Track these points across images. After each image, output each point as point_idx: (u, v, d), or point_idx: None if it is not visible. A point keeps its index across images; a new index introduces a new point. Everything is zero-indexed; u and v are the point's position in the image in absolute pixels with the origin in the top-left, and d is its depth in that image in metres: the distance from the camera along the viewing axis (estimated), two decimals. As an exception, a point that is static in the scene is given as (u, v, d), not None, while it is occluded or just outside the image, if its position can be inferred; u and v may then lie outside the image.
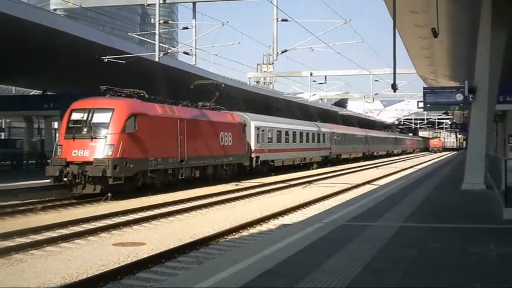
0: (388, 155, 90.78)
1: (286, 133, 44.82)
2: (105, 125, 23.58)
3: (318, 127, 53.75)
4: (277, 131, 42.73)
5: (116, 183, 22.74)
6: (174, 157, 26.93)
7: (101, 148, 23.06)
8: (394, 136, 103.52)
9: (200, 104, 31.89)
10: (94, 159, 22.64)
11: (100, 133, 23.42)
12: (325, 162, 53.88)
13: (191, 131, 28.36)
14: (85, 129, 23.42)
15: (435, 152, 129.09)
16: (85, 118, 23.58)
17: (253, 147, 37.52)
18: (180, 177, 27.55)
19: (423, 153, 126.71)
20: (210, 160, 30.74)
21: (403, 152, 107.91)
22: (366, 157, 72.18)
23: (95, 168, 22.31)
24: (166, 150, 26.46)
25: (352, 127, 73.15)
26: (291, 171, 42.17)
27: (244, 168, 36.08)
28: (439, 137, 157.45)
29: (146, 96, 26.52)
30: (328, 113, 72.78)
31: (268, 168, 40.15)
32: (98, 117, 23.67)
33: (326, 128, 56.38)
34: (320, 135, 53.38)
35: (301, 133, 48.25)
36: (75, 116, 24.04)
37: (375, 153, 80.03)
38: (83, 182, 22.62)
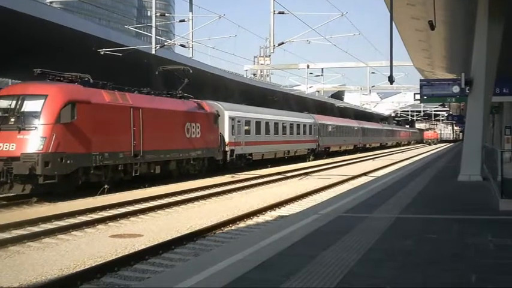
0: (382, 147, 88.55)
1: (267, 124, 41.95)
2: (36, 114, 20.37)
3: (304, 118, 51.53)
4: (256, 122, 39.83)
5: (48, 182, 20.00)
6: (126, 151, 23.88)
7: (30, 141, 20.00)
8: (388, 128, 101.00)
9: (165, 92, 29.43)
10: (21, 154, 19.63)
11: (30, 124, 20.30)
12: (313, 155, 51.66)
13: (149, 121, 25.30)
14: (12, 119, 20.37)
15: (429, 144, 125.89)
16: (13, 106, 20.52)
17: (227, 140, 34.68)
18: (134, 174, 24.58)
19: (419, 145, 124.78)
20: (173, 154, 27.81)
21: (398, 144, 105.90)
22: (358, 150, 70.25)
23: (21, 165, 19.37)
24: (115, 143, 23.37)
25: (343, 118, 70.56)
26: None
27: (217, 163, 33.19)
28: (434, 129, 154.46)
29: (91, 81, 23.30)
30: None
31: (246, 163, 37.44)
32: (28, 105, 20.56)
33: (313, 119, 54.02)
34: (306, 126, 50.82)
35: (283, 124, 45.49)
36: (2, 103, 20.96)
37: (368, 146, 78.13)
38: (9, 181, 19.71)
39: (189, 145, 29.29)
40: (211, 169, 32.11)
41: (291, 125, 47.06)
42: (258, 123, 40.00)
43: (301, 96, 65.78)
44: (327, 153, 56.09)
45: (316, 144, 53.19)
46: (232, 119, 35.70)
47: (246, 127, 37.83)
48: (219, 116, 33.41)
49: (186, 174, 28.95)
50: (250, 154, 38.14)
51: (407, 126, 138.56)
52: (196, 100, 31.47)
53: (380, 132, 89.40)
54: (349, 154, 62.41)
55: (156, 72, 30.27)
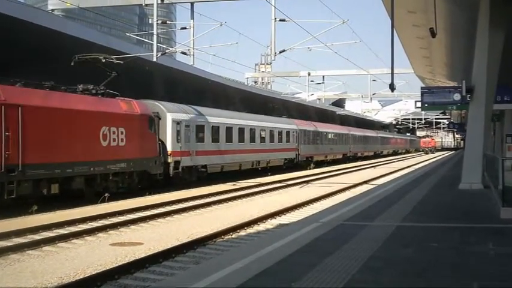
0: (376, 156, 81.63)
1: (228, 130, 35.21)
2: None
3: (281, 123, 45.48)
4: (213, 127, 33.21)
5: None
6: None
7: None
8: (383, 135, 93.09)
9: (81, 87, 23.24)
10: None
11: None
12: (291, 166, 45.62)
13: (36, 124, 19.45)
14: None
15: (426, 153, 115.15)
16: None
17: (169, 149, 28.32)
18: (8, 197, 18.44)
19: (419, 153, 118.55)
20: (79, 168, 21.33)
21: (395, 153, 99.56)
22: (348, 159, 64.20)
23: None
24: None
25: (330, 124, 63.52)
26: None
27: (154, 178, 26.54)
28: (431, 136, 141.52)
29: None
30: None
31: (198, 176, 31.24)
32: None
33: (293, 124, 47.85)
34: (283, 132, 44.50)
35: (252, 130, 38.77)
36: None
37: (360, 155, 71.56)
38: None
39: (106, 156, 22.79)
40: (147, 186, 25.91)
41: (263, 130, 40.70)
42: (215, 129, 33.50)
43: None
44: (309, 164, 49.95)
45: (296, 154, 47.09)
46: (177, 123, 29.24)
47: (199, 133, 31.50)
48: (159, 119, 27.64)
49: (108, 193, 22.47)
50: (204, 166, 31.93)
51: (409, 134, 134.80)
52: (123, 99, 25.09)
53: (374, 139, 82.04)
54: (336, 164, 56.51)
55: (72, 63, 24.03)
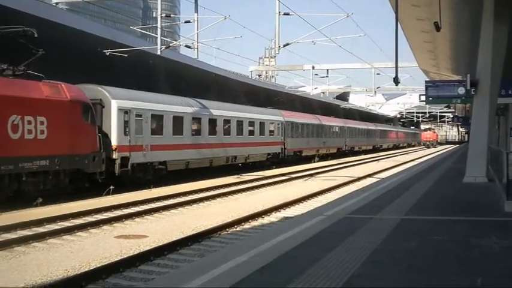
0: (375, 150, 77.66)
1: (195, 121, 30.94)
2: None
3: (265, 114, 41.05)
4: (175, 117, 28.80)
5: None
6: None
7: None
8: (383, 128, 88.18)
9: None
10: None
11: None
12: (276, 161, 41.46)
13: None
14: None
15: (428, 147, 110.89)
16: None
17: (114, 143, 24.18)
18: None
19: (421, 147, 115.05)
20: None
21: (395, 147, 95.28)
22: (343, 154, 60.02)
23: None
24: None
25: (323, 116, 58.08)
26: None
27: (93, 178, 22.55)
28: (433, 129, 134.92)
29: None
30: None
31: (155, 175, 26.97)
32: None
33: (278, 115, 43.45)
34: (265, 124, 40.05)
35: (226, 121, 34.37)
36: None
37: (358, 149, 67.70)
38: None
39: (17, 151, 18.76)
40: (82, 188, 22.12)
41: (240, 122, 36.10)
42: (177, 119, 29.02)
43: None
44: (299, 159, 46.44)
45: (282, 148, 42.83)
46: (125, 111, 24.89)
47: (155, 124, 27.32)
48: (103, 107, 24.14)
49: (30, 196, 19.32)
50: (163, 163, 27.66)
51: (413, 127, 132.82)
52: (49, 81, 20.79)
53: (373, 133, 77.32)
54: (330, 159, 53.13)
55: None
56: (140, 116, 25.82)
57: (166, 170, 27.84)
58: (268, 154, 40.57)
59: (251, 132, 37.73)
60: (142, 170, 25.98)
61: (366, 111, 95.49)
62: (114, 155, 24.04)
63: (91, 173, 22.28)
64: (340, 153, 59.16)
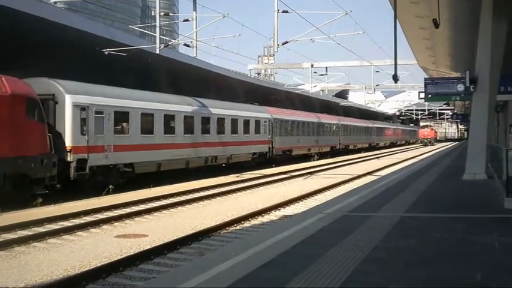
0: (372, 148, 75.35)
1: (168, 118, 28.34)
2: None
3: (250, 111, 38.67)
4: (144, 114, 26.32)
5: None
6: None
7: None
8: (380, 125, 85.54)
9: None
10: None
11: None
12: (263, 161, 39.35)
13: None
14: None
15: (426, 145, 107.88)
16: None
17: (69, 143, 21.65)
18: None
19: (419, 145, 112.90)
20: None
21: (393, 145, 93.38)
22: (337, 152, 57.89)
23: None
24: None
25: (313, 113, 55.81)
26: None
27: (41, 184, 20.06)
28: (431, 126, 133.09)
29: None
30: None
31: (121, 178, 24.52)
32: None
33: (265, 112, 41.04)
34: (250, 122, 37.67)
35: (205, 119, 31.81)
36: None
37: (353, 147, 65.52)
38: None
39: None
40: (33, 194, 19.69)
41: (221, 120, 33.66)
42: (146, 117, 26.60)
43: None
44: (287, 159, 44.28)
45: (269, 147, 40.52)
46: (82, 108, 22.41)
47: (120, 123, 24.79)
48: (56, 102, 21.76)
49: None
50: (129, 165, 25.06)
51: (412, 124, 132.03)
52: None
53: (369, 130, 74.87)
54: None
55: None
56: (101, 113, 23.38)
57: (134, 172, 25.33)
58: (254, 154, 38.37)
59: (234, 131, 35.28)
60: (104, 173, 23.45)
61: (365, 109, 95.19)
62: (69, 157, 21.54)
63: (39, 179, 19.72)
64: (334, 152, 57.23)
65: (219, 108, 33.81)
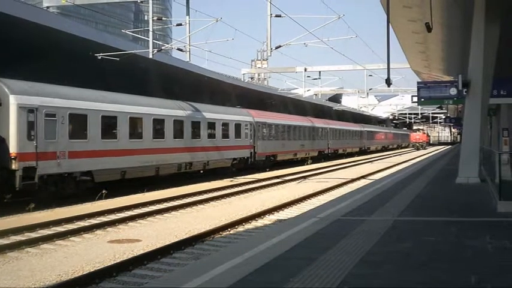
0: (363, 152, 73.52)
1: (135, 121, 25.79)
2: None
3: (230, 114, 36.13)
4: (105, 116, 23.73)
5: None
6: None
7: None
8: (370, 129, 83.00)
9: None
10: None
11: None
12: (244, 168, 37.16)
13: None
14: None
15: (418, 149, 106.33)
16: None
17: (13, 150, 19.33)
18: None
19: (411, 149, 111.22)
20: None
21: (384, 148, 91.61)
22: (326, 157, 56.08)
23: None
24: None
25: (299, 116, 53.44)
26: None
27: None
28: (422, 130, 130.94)
29: None
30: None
31: (78, 187, 22.15)
32: None
33: (246, 115, 38.59)
34: (229, 126, 35.23)
35: (178, 122, 29.28)
36: None
37: (342, 151, 63.83)
38: None
39: None
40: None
41: (196, 123, 31.18)
42: (109, 120, 24.08)
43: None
44: (274, 164, 42.24)
45: (251, 152, 38.17)
46: (30, 110, 20.03)
47: (76, 126, 22.29)
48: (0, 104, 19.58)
49: None
50: (88, 172, 22.59)
51: (405, 128, 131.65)
52: None
53: (359, 134, 72.78)
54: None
55: None
56: (53, 115, 20.91)
57: (93, 181, 22.82)
58: (234, 159, 35.84)
59: (211, 135, 32.76)
60: (57, 183, 21.14)
61: (359, 113, 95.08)
62: (14, 165, 19.26)
63: None
64: (322, 157, 55.09)
65: (194, 111, 31.44)
